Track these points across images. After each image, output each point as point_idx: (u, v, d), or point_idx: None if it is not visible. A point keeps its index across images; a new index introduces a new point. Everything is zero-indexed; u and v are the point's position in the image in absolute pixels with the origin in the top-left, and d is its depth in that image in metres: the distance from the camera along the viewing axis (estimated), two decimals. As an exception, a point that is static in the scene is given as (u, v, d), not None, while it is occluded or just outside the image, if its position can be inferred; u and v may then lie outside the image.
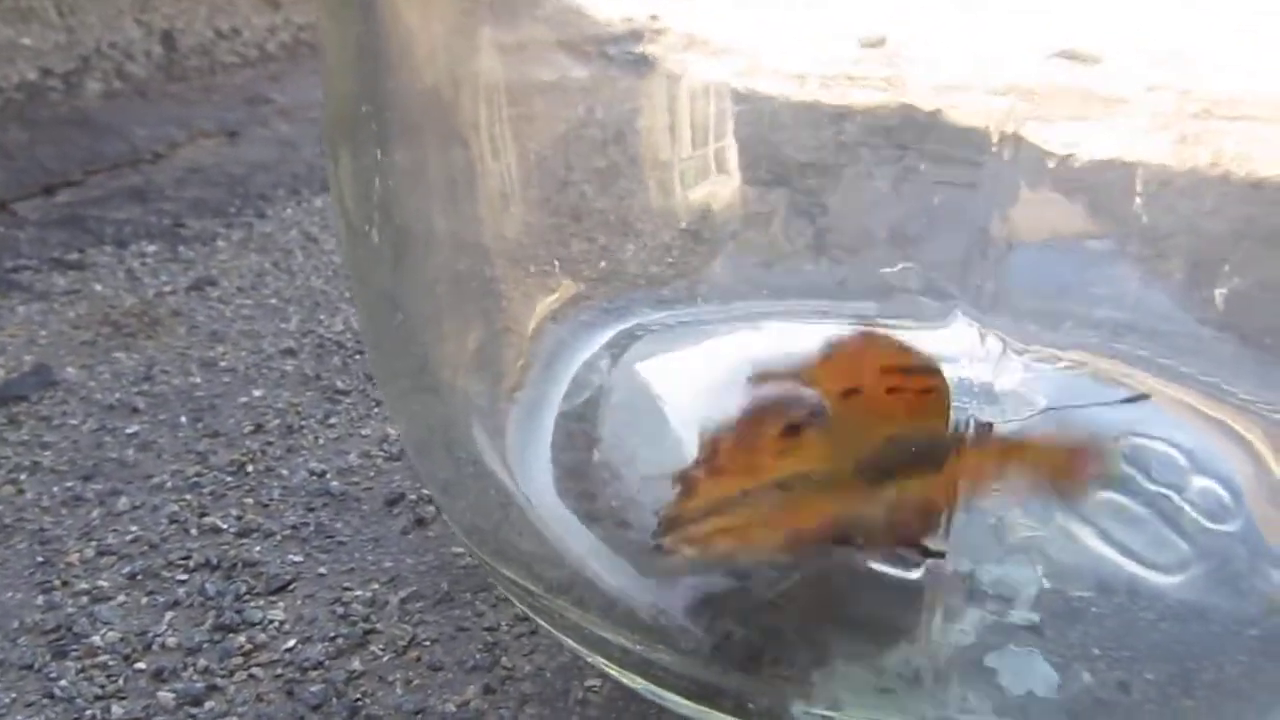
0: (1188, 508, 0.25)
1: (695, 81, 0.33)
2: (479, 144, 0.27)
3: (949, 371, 0.28)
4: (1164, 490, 0.25)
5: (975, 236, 0.32)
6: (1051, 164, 0.33)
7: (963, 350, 0.29)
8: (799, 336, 0.31)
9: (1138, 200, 0.32)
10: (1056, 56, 0.31)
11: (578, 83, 0.32)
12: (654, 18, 0.32)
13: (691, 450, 0.27)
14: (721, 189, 0.33)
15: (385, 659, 0.24)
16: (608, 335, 0.30)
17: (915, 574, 0.22)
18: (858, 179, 0.34)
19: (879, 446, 0.23)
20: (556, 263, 0.31)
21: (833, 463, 0.22)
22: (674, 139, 0.32)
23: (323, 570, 0.27)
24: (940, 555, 0.21)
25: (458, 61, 0.26)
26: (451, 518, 0.24)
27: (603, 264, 0.32)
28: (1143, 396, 0.29)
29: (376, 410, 0.34)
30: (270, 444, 0.32)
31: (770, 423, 0.23)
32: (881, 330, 0.25)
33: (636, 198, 0.33)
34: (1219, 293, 0.31)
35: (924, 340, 0.30)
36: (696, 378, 0.30)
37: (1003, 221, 0.32)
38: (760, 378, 0.24)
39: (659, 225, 0.33)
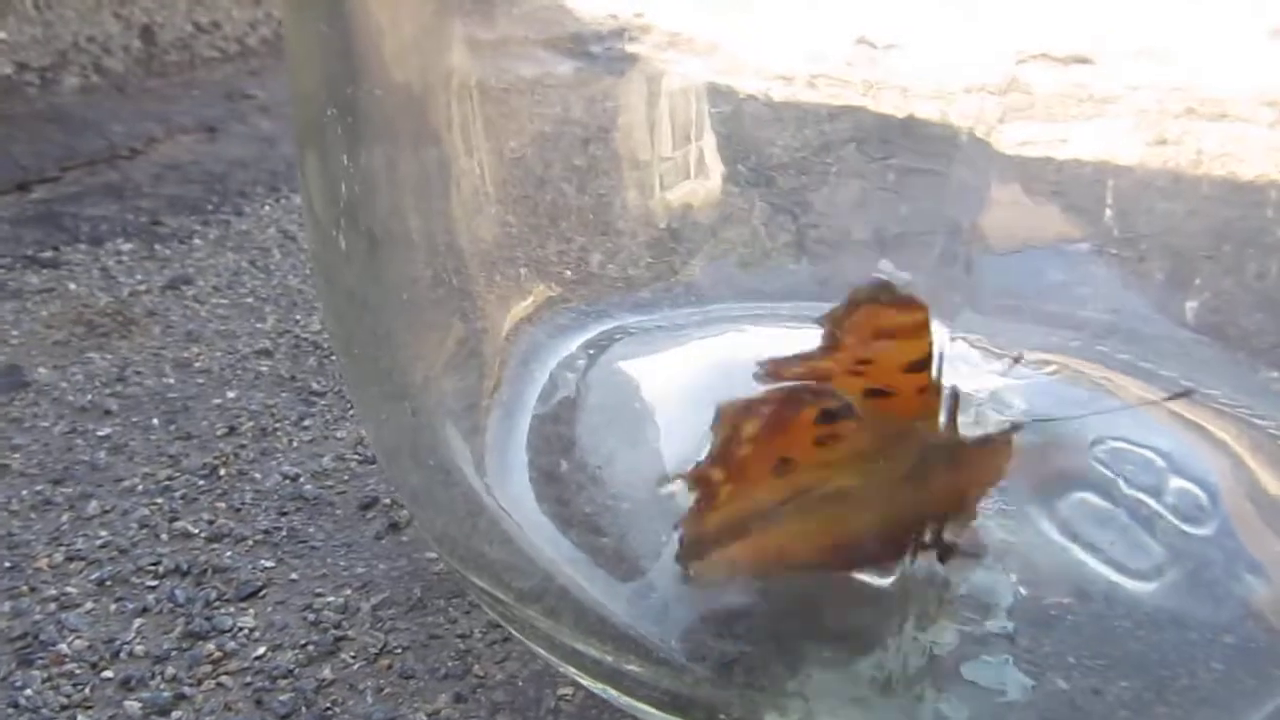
0: (1164, 512, 0.24)
1: (678, 80, 0.33)
2: (453, 144, 0.27)
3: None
4: (1141, 495, 0.25)
5: (952, 239, 0.32)
6: (1031, 166, 0.33)
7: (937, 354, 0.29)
8: (778, 339, 0.31)
9: (1119, 202, 0.32)
10: (1039, 57, 0.31)
11: (557, 81, 0.32)
12: (639, 15, 0.32)
13: (669, 454, 0.26)
14: (702, 189, 0.33)
15: (356, 667, 0.24)
16: (585, 338, 0.30)
17: (889, 581, 0.22)
18: (840, 180, 0.34)
19: (923, 449, 0.20)
20: (532, 265, 0.31)
21: (870, 463, 0.20)
22: (655, 138, 0.32)
23: (294, 576, 0.27)
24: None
25: (430, 60, 0.25)
26: (422, 525, 0.24)
27: (580, 266, 0.32)
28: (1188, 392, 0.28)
29: (351, 412, 0.34)
30: (243, 447, 0.32)
31: (803, 412, 0.20)
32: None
33: (616, 198, 0.33)
34: (1199, 296, 0.31)
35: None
36: (674, 381, 0.29)
37: (980, 224, 0.31)
38: (772, 372, 0.20)
39: (638, 226, 0.33)
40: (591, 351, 0.29)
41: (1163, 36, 0.28)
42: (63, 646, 0.24)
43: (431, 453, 0.23)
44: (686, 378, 0.29)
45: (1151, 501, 0.24)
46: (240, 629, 0.25)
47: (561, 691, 0.23)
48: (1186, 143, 0.30)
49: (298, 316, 0.41)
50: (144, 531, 0.28)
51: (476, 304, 0.28)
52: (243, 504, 0.29)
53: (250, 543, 0.28)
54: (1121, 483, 0.25)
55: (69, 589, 0.26)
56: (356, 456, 0.32)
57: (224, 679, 0.23)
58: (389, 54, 0.23)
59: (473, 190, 0.28)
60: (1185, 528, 0.24)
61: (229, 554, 0.27)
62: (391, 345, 0.24)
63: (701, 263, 0.33)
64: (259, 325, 0.40)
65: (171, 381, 0.36)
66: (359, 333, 0.24)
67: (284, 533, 0.28)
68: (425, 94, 0.25)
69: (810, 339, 0.33)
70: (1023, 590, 0.22)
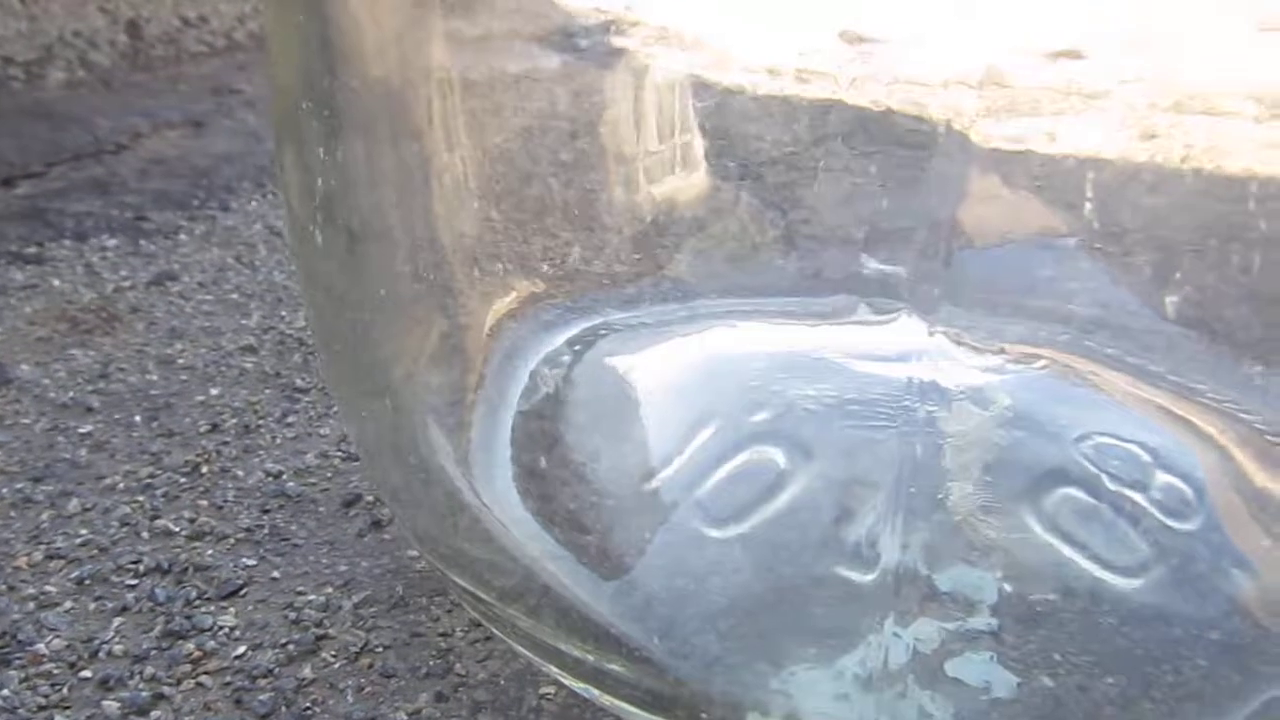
0: (1150, 507, 0.24)
1: (665, 74, 0.32)
2: (434, 139, 0.27)
3: (909, 371, 0.27)
4: (1126, 490, 0.25)
5: (932, 233, 0.32)
6: (1019, 161, 0.33)
7: (915, 349, 0.29)
8: (764, 336, 0.31)
9: (1106, 197, 0.32)
10: (1027, 52, 0.31)
11: (542, 75, 0.32)
12: (627, 8, 0.32)
13: (653, 451, 0.26)
14: (688, 184, 0.33)
15: (337, 666, 0.23)
16: (569, 334, 0.30)
17: (870, 577, 0.22)
18: (827, 175, 0.34)
19: None
20: (516, 261, 0.31)
21: None
22: (642, 133, 0.32)
23: (276, 574, 0.26)
24: None
25: (411, 54, 0.25)
26: (403, 523, 0.24)
27: (565, 261, 0.32)
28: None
29: (336, 409, 0.34)
30: (226, 444, 0.32)
31: None
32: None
33: (601, 193, 0.32)
34: (1185, 291, 0.31)
35: (880, 340, 0.29)
36: (659, 378, 0.29)
37: (964, 218, 0.31)
38: None
39: (624, 221, 0.33)
40: (576, 348, 0.29)
41: (1151, 31, 0.28)
42: (41, 646, 0.24)
43: (413, 450, 0.23)
44: (672, 374, 0.29)
45: (1137, 496, 0.24)
46: (220, 628, 0.25)
47: (544, 690, 0.23)
48: (1174, 137, 0.30)
49: (283, 313, 0.41)
50: (125, 530, 0.28)
51: (459, 300, 0.27)
52: (225, 502, 0.29)
53: (232, 541, 0.28)
54: (1106, 478, 0.25)
55: (48, 588, 0.26)
56: (340, 453, 0.31)
57: (203, 678, 0.23)
58: (369, 46, 0.23)
59: (455, 185, 0.28)
60: (1170, 523, 0.24)
61: (210, 552, 0.27)
62: (372, 341, 0.24)
63: (687, 258, 0.33)
64: (244, 322, 0.40)
65: (154, 378, 0.36)
66: (339, 329, 0.23)
67: (266, 531, 0.28)
68: (406, 87, 0.25)
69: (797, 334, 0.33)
70: (1007, 587, 0.22)
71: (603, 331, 0.30)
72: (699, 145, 0.32)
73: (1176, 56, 0.28)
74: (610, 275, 0.32)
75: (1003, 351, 0.30)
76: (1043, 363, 0.29)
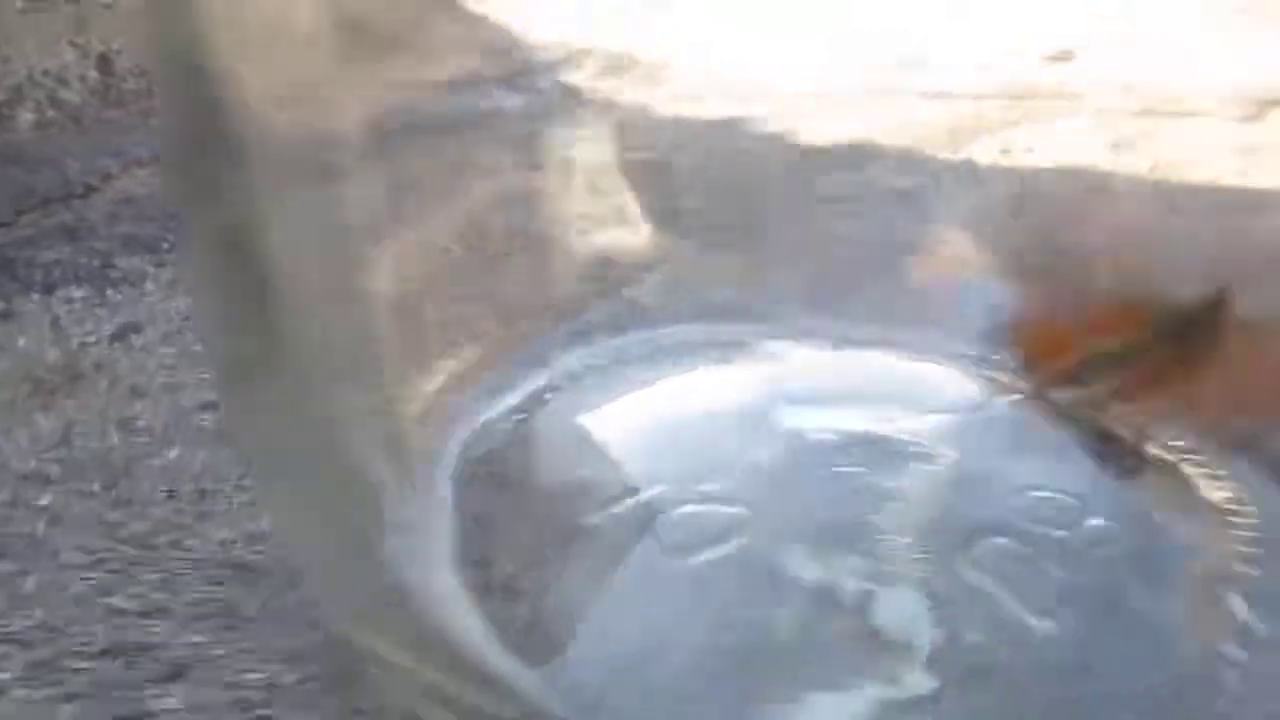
0: (1080, 550, 0.24)
1: (622, 111, 0.32)
2: (358, 196, 0.26)
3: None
4: (1057, 535, 0.25)
5: (900, 257, 0.31)
6: (1002, 174, 0.32)
7: (868, 386, 0.29)
8: (711, 386, 0.31)
9: (1075, 208, 0.32)
10: (1020, 52, 0.31)
11: (497, 118, 0.32)
12: (587, 38, 0.31)
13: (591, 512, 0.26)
14: (640, 229, 0.33)
15: (279, 749, 0.24)
16: (518, 394, 0.29)
17: (813, 634, 0.22)
18: (798, 202, 0.34)
19: None
20: (457, 319, 0.30)
21: None
22: (596, 174, 0.32)
23: (222, 651, 0.26)
24: None
25: (326, 104, 0.24)
26: (329, 613, 0.24)
27: (515, 317, 0.32)
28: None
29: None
30: (181, 511, 0.32)
31: None
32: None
33: (552, 243, 0.32)
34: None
35: (828, 378, 0.29)
36: (605, 436, 0.29)
37: (931, 242, 0.31)
38: None
39: (577, 270, 0.33)
40: (524, 411, 0.29)
41: (1132, 31, 0.28)
42: (-11, 740, 0.24)
43: (339, 531, 0.23)
44: (618, 434, 0.29)
45: (1068, 541, 0.24)
46: (166, 711, 0.25)
47: (481, 768, 0.23)
48: (1143, 147, 0.30)
49: (245, 362, 0.41)
50: (78, 609, 0.28)
51: (393, 368, 0.27)
52: (178, 574, 0.29)
53: (181, 617, 0.28)
54: (1041, 526, 0.24)
55: (1, 675, 0.26)
56: (293, 516, 0.31)
57: (148, 768, 0.23)
58: (266, 100, 0.22)
59: (384, 241, 0.27)
60: (1100, 564, 0.24)
61: (159, 630, 0.27)
62: (295, 414, 0.23)
63: (647, 297, 0.32)
64: (204, 376, 0.40)
65: (114, 443, 0.36)
66: (252, 400, 0.23)
67: (217, 604, 0.28)
68: (320, 139, 0.25)
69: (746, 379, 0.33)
70: (944, 639, 0.22)
71: (549, 391, 0.30)
72: (659, 184, 0.32)
73: (1155, 56, 0.28)
74: (562, 325, 0.32)
75: (961, 388, 0.29)
76: (1002, 401, 0.29)
